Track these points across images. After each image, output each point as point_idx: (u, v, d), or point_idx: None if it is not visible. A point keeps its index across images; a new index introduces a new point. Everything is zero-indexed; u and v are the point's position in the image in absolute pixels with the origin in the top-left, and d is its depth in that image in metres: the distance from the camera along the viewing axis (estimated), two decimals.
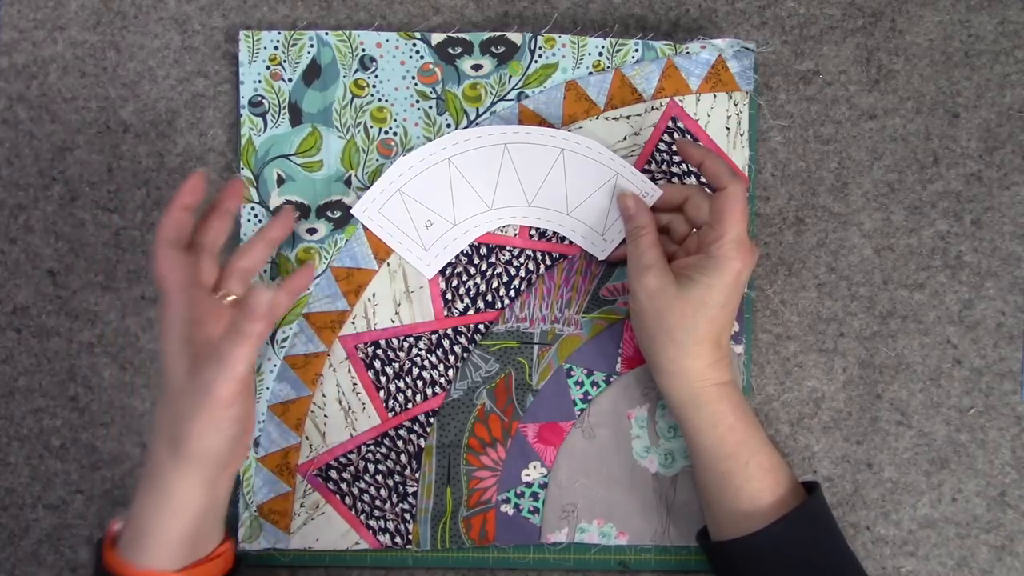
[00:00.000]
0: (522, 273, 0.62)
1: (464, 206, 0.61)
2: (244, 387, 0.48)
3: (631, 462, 0.62)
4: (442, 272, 0.62)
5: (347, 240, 0.61)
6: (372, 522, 0.61)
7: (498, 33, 0.62)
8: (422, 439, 0.61)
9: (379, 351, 0.61)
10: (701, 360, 0.54)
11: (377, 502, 0.61)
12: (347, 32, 0.62)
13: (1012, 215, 0.63)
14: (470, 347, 0.62)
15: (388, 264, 0.61)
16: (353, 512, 0.61)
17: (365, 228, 0.61)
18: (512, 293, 0.62)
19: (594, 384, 0.62)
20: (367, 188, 0.61)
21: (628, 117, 0.62)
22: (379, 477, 0.61)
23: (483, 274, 0.62)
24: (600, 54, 0.62)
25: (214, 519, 0.52)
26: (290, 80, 0.62)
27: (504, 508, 0.61)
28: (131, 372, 0.62)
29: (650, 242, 0.56)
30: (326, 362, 0.61)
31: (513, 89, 0.62)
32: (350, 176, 0.62)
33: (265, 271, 0.61)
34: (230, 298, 0.55)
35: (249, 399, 0.51)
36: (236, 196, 0.57)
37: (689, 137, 0.62)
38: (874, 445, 0.62)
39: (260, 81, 0.62)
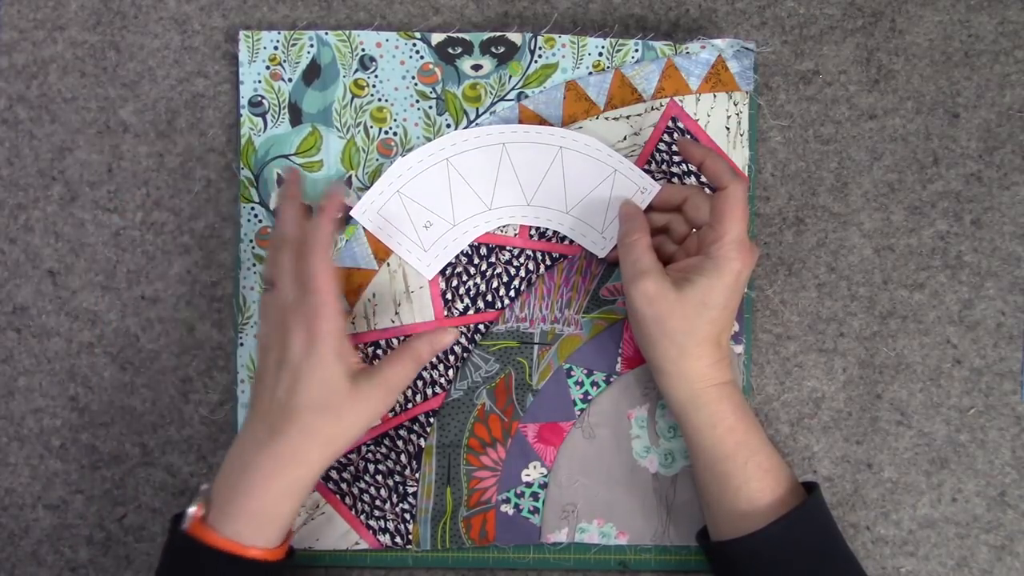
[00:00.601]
0: (522, 273, 0.62)
1: (463, 206, 0.61)
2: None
3: (631, 462, 0.62)
4: (442, 272, 0.62)
5: (347, 240, 0.61)
6: (372, 522, 0.61)
7: (498, 33, 0.62)
8: (422, 439, 0.61)
9: (379, 351, 0.61)
10: (702, 361, 0.54)
11: (377, 502, 0.61)
12: (347, 32, 0.62)
13: (1012, 215, 0.63)
14: (470, 347, 0.62)
15: (388, 264, 0.61)
16: (353, 512, 0.61)
17: (365, 228, 0.61)
18: (512, 293, 0.62)
19: (594, 384, 0.62)
20: (367, 188, 0.61)
21: (628, 117, 0.62)
22: (379, 477, 0.61)
23: (483, 274, 0.62)
24: (600, 54, 0.62)
25: (298, 509, 0.54)
26: (290, 80, 0.62)
27: (504, 508, 0.61)
28: (131, 372, 0.62)
29: (644, 247, 0.55)
30: None
31: (513, 89, 0.62)
32: (350, 176, 0.62)
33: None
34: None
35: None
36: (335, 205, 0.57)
37: (689, 137, 0.62)
38: (874, 445, 0.62)
39: (260, 81, 0.62)
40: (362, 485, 0.61)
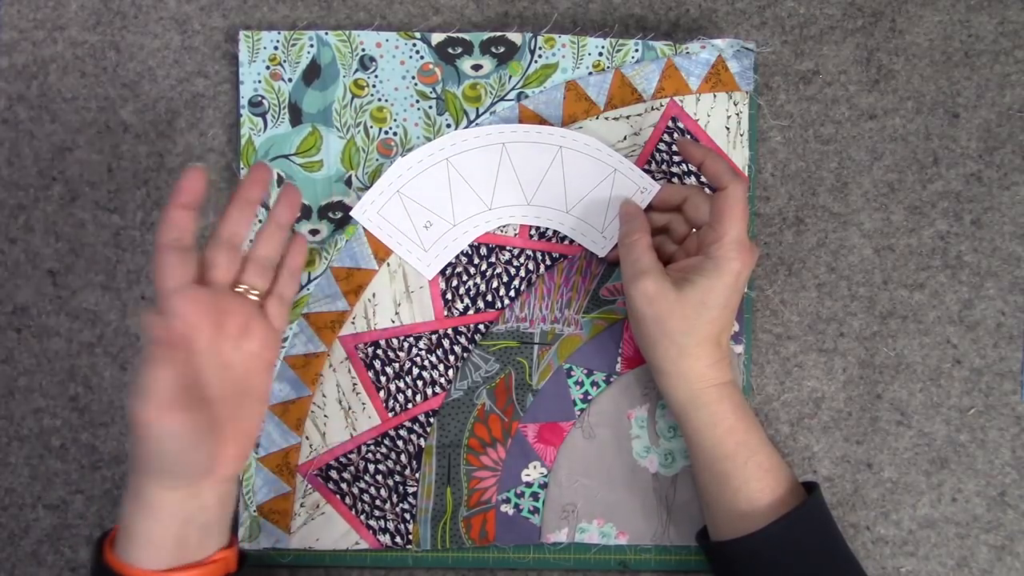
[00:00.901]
0: (522, 273, 0.62)
1: (463, 206, 0.61)
2: (175, 404, 0.45)
3: (631, 462, 0.62)
4: (442, 272, 0.62)
5: (347, 240, 0.61)
6: (372, 522, 0.61)
7: (498, 33, 0.62)
8: (422, 439, 0.61)
9: (379, 351, 0.61)
10: (701, 361, 0.54)
11: (377, 502, 0.61)
12: (347, 32, 0.62)
13: (1012, 215, 0.63)
14: (470, 347, 0.62)
15: (388, 264, 0.61)
16: (353, 512, 0.61)
17: (365, 228, 0.61)
18: (512, 293, 0.62)
19: (594, 384, 0.62)
20: (367, 188, 0.61)
21: (628, 117, 0.62)
22: (379, 477, 0.61)
23: (483, 274, 0.62)
24: (600, 54, 0.62)
25: (204, 526, 0.50)
26: (290, 80, 0.62)
27: (504, 508, 0.61)
28: (131, 372, 0.62)
29: (644, 247, 0.55)
30: (326, 362, 0.61)
31: (513, 89, 0.62)
32: (350, 176, 0.62)
33: None
34: (252, 294, 0.52)
35: (197, 414, 0.47)
36: (291, 211, 0.54)
37: (689, 137, 0.62)
38: (874, 445, 0.62)
39: (260, 81, 0.62)
40: (362, 485, 0.61)
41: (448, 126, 0.62)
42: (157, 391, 0.45)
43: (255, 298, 0.53)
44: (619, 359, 0.62)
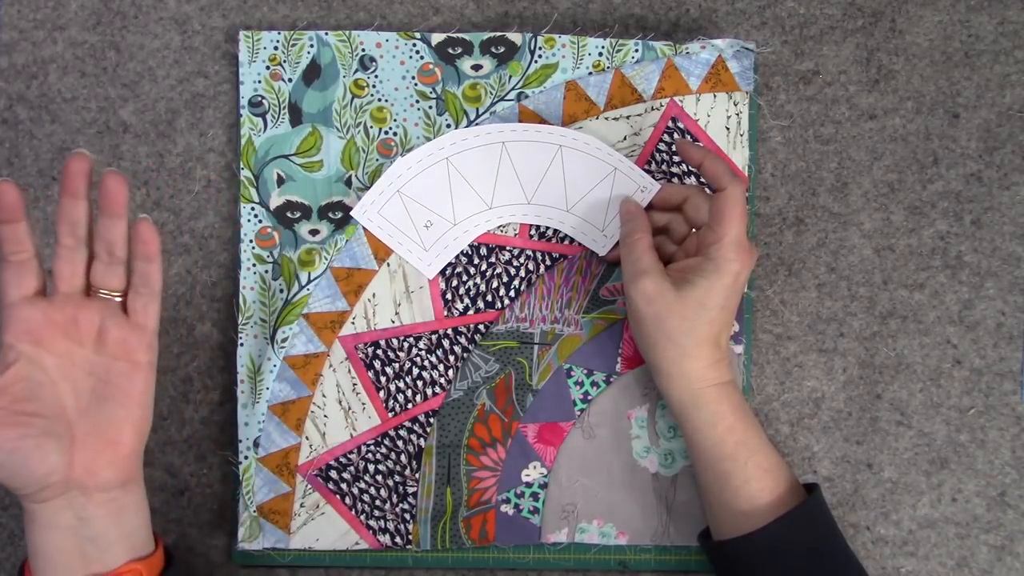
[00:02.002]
0: (522, 273, 0.62)
1: (464, 206, 0.61)
2: (3, 422, 0.45)
3: (631, 462, 0.62)
4: (442, 272, 0.62)
5: (347, 240, 0.61)
6: (372, 522, 0.61)
7: (498, 33, 0.62)
8: (422, 439, 0.61)
9: (379, 351, 0.61)
10: (701, 361, 0.54)
11: (377, 502, 0.61)
12: (347, 32, 0.62)
13: (1012, 215, 0.63)
14: (470, 347, 0.62)
15: (388, 264, 0.61)
16: (353, 512, 0.61)
17: (365, 228, 0.61)
18: (512, 293, 0.62)
19: (594, 384, 0.62)
20: (367, 188, 0.61)
21: (628, 117, 0.62)
22: (379, 477, 0.61)
23: (483, 274, 0.62)
24: (600, 54, 0.62)
25: (95, 538, 0.48)
26: (290, 80, 0.62)
27: (504, 508, 0.61)
28: None
29: (645, 247, 0.55)
30: (326, 362, 0.61)
31: (513, 89, 0.62)
32: (350, 176, 0.62)
33: (266, 271, 0.61)
34: (103, 294, 0.49)
35: (29, 428, 0.46)
36: (115, 198, 0.48)
37: (689, 137, 0.62)
38: (874, 445, 0.62)
39: (260, 81, 0.62)
40: (362, 485, 0.61)
41: (448, 126, 0.62)
42: None
43: (110, 298, 0.49)
44: (619, 359, 0.62)
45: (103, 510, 0.48)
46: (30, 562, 0.49)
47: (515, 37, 0.62)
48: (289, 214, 0.62)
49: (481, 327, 0.62)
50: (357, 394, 0.61)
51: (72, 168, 0.47)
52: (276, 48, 0.62)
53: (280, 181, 0.62)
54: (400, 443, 0.61)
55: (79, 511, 0.48)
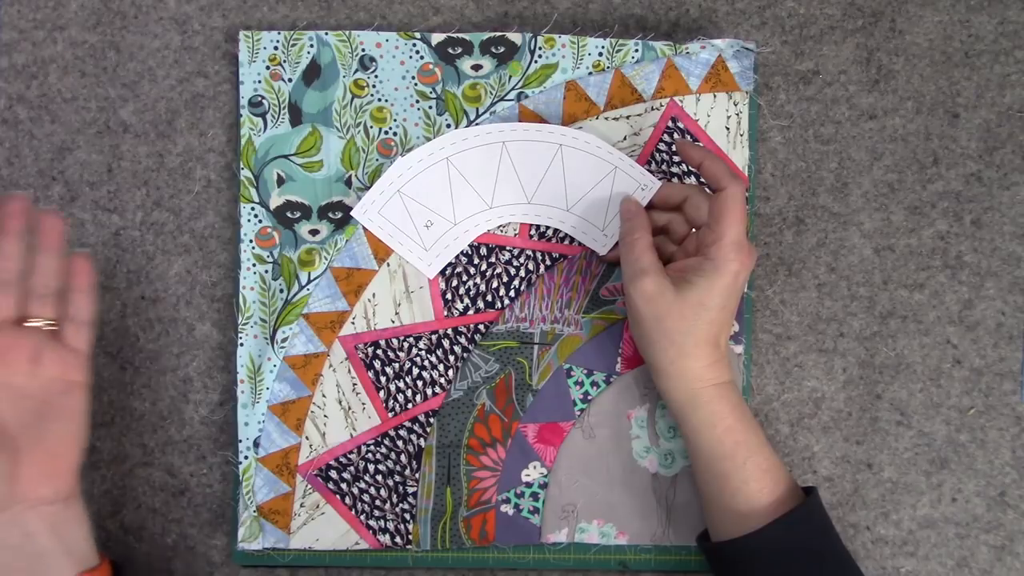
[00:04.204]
0: (522, 273, 0.62)
1: (464, 205, 0.61)
2: None
3: (631, 462, 0.62)
4: (442, 272, 0.62)
5: (347, 240, 0.61)
6: (372, 522, 0.61)
7: (498, 33, 0.62)
8: (422, 439, 0.61)
9: (379, 351, 0.61)
10: (700, 361, 0.54)
11: (377, 502, 0.61)
12: (347, 32, 0.62)
13: (1012, 215, 0.63)
14: (470, 347, 0.62)
15: (388, 264, 0.61)
16: (353, 512, 0.61)
17: (365, 228, 0.61)
18: (512, 293, 0.62)
19: (594, 384, 0.62)
20: (367, 188, 0.61)
21: (628, 117, 0.62)
22: (379, 477, 0.61)
23: (483, 274, 0.62)
24: (600, 54, 0.62)
25: (38, 554, 0.49)
26: (290, 80, 0.62)
27: (504, 508, 0.61)
28: (131, 372, 0.62)
29: (644, 246, 0.55)
30: (326, 362, 0.61)
31: (513, 89, 0.62)
32: (350, 176, 0.62)
33: (266, 271, 0.61)
34: (36, 323, 0.52)
35: None
36: (54, 236, 0.52)
37: (689, 137, 0.62)
38: (874, 445, 0.62)
39: (260, 81, 0.62)
40: (362, 485, 0.61)
41: (448, 126, 0.62)
42: None
43: (43, 326, 0.52)
44: (619, 359, 0.62)
45: (45, 524, 0.50)
46: None
47: (515, 37, 0.62)
48: (289, 214, 0.62)
49: (481, 327, 0.62)
50: (357, 394, 0.61)
51: (12, 208, 0.51)
52: (276, 48, 0.62)
53: (280, 181, 0.62)
54: (400, 443, 0.61)
55: (24, 527, 0.49)
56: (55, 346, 0.52)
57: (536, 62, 0.62)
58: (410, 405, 0.61)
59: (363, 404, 0.61)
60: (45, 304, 0.52)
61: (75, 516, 0.51)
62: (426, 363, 0.61)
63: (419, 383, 0.61)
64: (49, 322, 0.52)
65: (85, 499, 0.62)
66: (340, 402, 0.61)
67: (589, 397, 0.62)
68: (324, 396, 0.61)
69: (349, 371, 0.61)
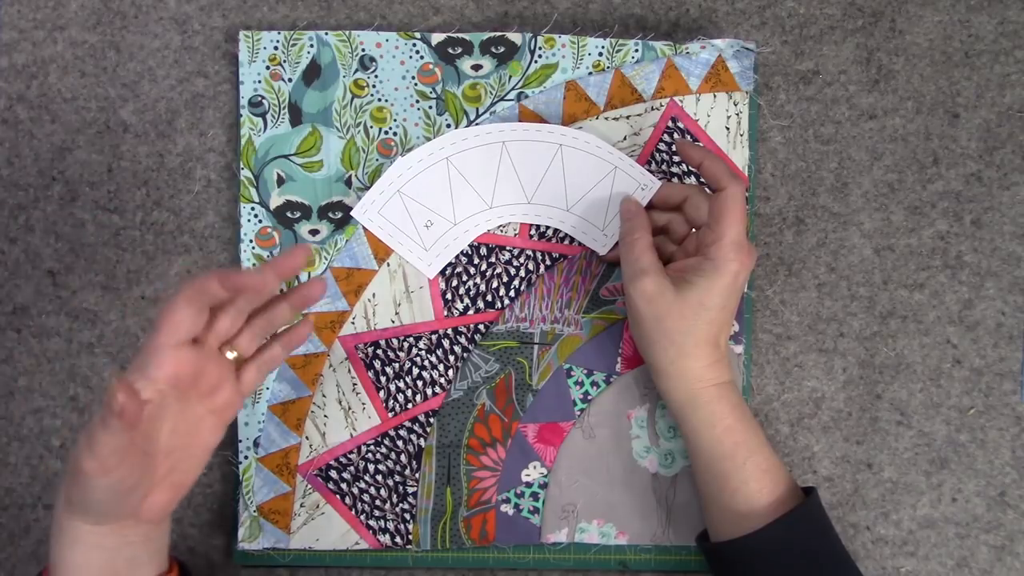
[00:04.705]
0: (522, 273, 0.62)
1: (464, 205, 0.61)
2: (120, 462, 0.45)
3: (631, 462, 0.62)
4: (442, 272, 0.62)
5: (347, 240, 0.61)
6: (372, 522, 0.61)
7: (498, 33, 0.62)
8: (422, 439, 0.61)
9: (379, 351, 0.61)
10: (700, 361, 0.54)
11: (377, 502, 0.61)
12: (347, 32, 0.62)
13: (1012, 215, 0.63)
14: (470, 347, 0.62)
15: (388, 264, 0.61)
16: (353, 512, 0.61)
17: (365, 228, 0.61)
18: (512, 293, 0.62)
19: (594, 384, 0.62)
20: (367, 188, 0.61)
21: (628, 117, 0.62)
22: (379, 477, 0.61)
23: (483, 274, 0.62)
24: (600, 54, 0.62)
25: (131, 559, 0.50)
26: (290, 80, 0.62)
27: (504, 508, 0.61)
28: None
29: (644, 246, 0.55)
30: (326, 362, 0.61)
31: (513, 89, 0.62)
32: (350, 176, 0.62)
33: None
34: (231, 355, 0.51)
35: (136, 468, 0.47)
36: (309, 301, 0.53)
37: (689, 137, 0.62)
38: (874, 445, 0.62)
39: (260, 81, 0.62)
40: (362, 485, 0.61)
41: (448, 126, 0.62)
42: (104, 452, 0.44)
43: (234, 359, 0.51)
44: (619, 359, 0.62)
45: (141, 538, 0.50)
46: (53, 574, 0.49)
47: (515, 37, 0.62)
48: (289, 214, 0.62)
49: (481, 327, 0.62)
50: (357, 394, 0.61)
51: (295, 255, 0.49)
52: (276, 48, 0.62)
53: (280, 181, 0.62)
54: (400, 443, 0.61)
55: (124, 537, 0.49)
56: (232, 383, 0.51)
57: (536, 62, 0.62)
58: (410, 405, 0.61)
59: (363, 404, 0.61)
60: (252, 342, 0.51)
61: (165, 529, 0.52)
62: (426, 363, 0.61)
63: (419, 383, 0.61)
64: (241, 358, 0.51)
65: None
66: (340, 402, 0.61)
67: (589, 397, 0.62)
68: (324, 396, 0.61)
69: (349, 371, 0.61)
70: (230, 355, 0.51)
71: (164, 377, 0.47)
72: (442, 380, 0.62)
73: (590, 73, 0.62)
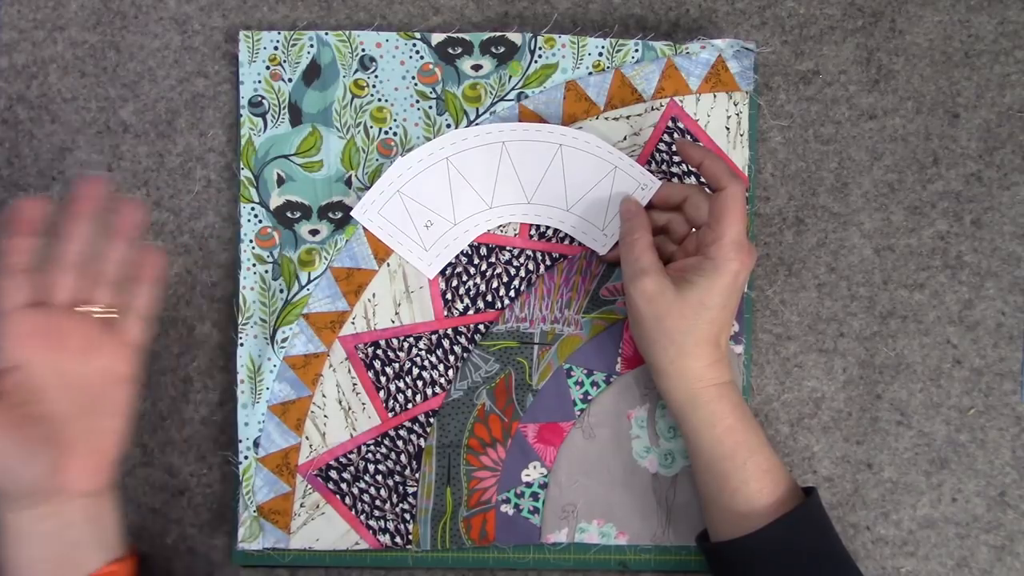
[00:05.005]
0: (522, 273, 0.62)
1: (464, 205, 0.61)
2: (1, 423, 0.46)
3: (631, 462, 0.62)
4: (442, 272, 0.62)
5: (347, 240, 0.61)
6: (372, 522, 0.61)
7: (498, 33, 0.62)
8: (422, 439, 0.61)
9: (379, 351, 0.61)
10: (700, 360, 0.54)
11: (377, 502, 0.61)
12: (347, 32, 0.62)
13: (1012, 215, 0.63)
14: (470, 347, 0.62)
15: (388, 264, 0.61)
16: (353, 512, 0.61)
17: (365, 228, 0.61)
18: (512, 293, 0.62)
19: (594, 384, 0.62)
20: (367, 188, 0.61)
21: (628, 117, 0.62)
22: (379, 477, 0.61)
23: (483, 274, 0.62)
24: (600, 54, 0.62)
25: (75, 543, 0.49)
26: (290, 80, 0.62)
27: (504, 508, 0.61)
28: None
29: (644, 246, 0.55)
30: (326, 362, 0.61)
31: (513, 89, 0.62)
32: (350, 176, 0.62)
33: (266, 271, 0.61)
34: (98, 311, 0.51)
35: (26, 431, 0.47)
36: (131, 225, 0.52)
37: (689, 137, 0.62)
38: (874, 445, 0.62)
39: (260, 81, 0.62)
40: (362, 485, 0.61)
41: (448, 126, 0.62)
42: None
43: (104, 315, 0.51)
44: (619, 359, 0.62)
45: (82, 515, 0.50)
46: (3, 573, 0.49)
47: (515, 37, 0.62)
48: (289, 214, 0.62)
49: (481, 327, 0.62)
50: (357, 394, 0.61)
51: (87, 190, 0.50)
52: (276, 48, 0.62)
53: (280, 181, 0.62)
54: (400, 443, 0.61)
55: (62, 517, 0.49)
56: (111, 337, 0.51)
57: (536, 62, 0.62)
58: (410, 405, 0.61)
59: (363, 404, 0.61)
60: (107, 292, 0.51)
61: (109, 508, 0.52)
62: (426, 363, 0.61)
63: (419, 383, 0.61)
64: (108, 310, 0.51)
65: None
66: (340, 402, 0.61)
67: (589, 397, 0.62)
68: (324, 396, 0.61)
69: (349, 371, 0.61)
70: (97, 313, 0.51)
71: (11, 343, 0.48)
72: (442, 380, 0.62)
73: (590, 73, 0.62)
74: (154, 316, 0.53)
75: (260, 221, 0.62)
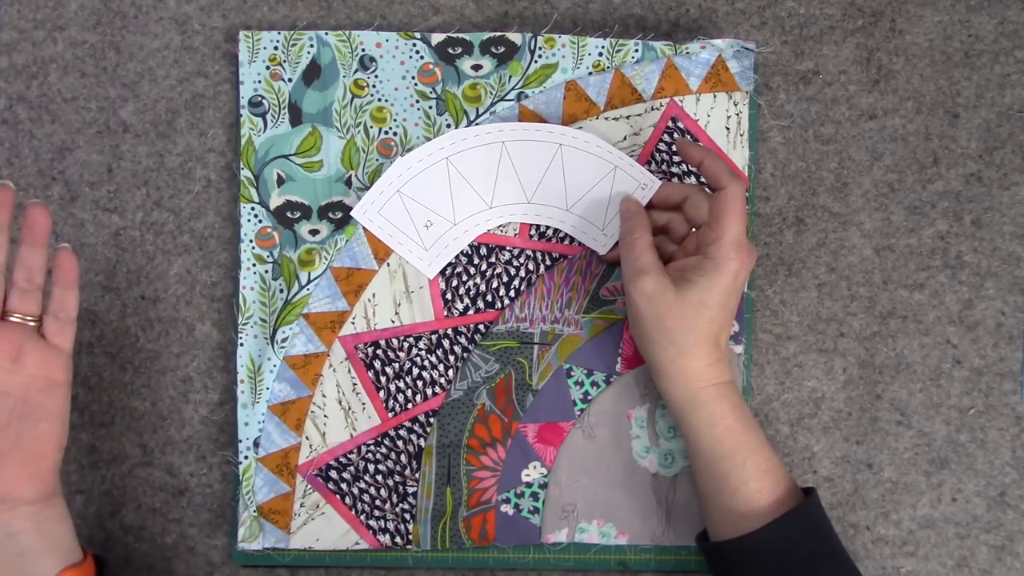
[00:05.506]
0: (522, 273, 0.62)
1: (464, 205, 0.61)
2: None
3: (631, 462, 0.62)
4: (442, 272, 0.62)
5: (347, 240, 0.61)
6: (372, 522, 0.61)
7: (498, 33, 0.62)
8: (422, 439, 0.61)
9: (379, 351, 0.61)
10: (700, 360, 0.54)
11: (377, 502, 0.61)
12: (347, 32, 0.62)
13: (1012, 215, 0.63)
14: (470, 347, 0.62)
15: (388, 264, 0.61)
16: (353, 512, 0.61)
17: (365, 228, 0.61)
18: (512, 293, 0.62)
19: (594, 384, 0.62)
20: (367, 188, 0.61)
21: (628, 117, 0.62)
22: (379, 477, 0.61)
23: (483, 274, 0.62)
24: (600, 54, 0.62)
25: (22, 552, 0.49)
26: (290, 80, 0.62)
27: (504, 508, 0.61)
28: (131, 372, 0.62)
29: (644, 245, 0.55)
30: (326, 362, 0.61)
31: (513, 89, 0.62)
32: (350, 176, 0.62)
33: (266, 271, 0.61)
34: (16, 318, 0.51)
35: None
36: (39, 229, 0.51)
37: (689, 137, 0.62)
38: (874, 445, 0.62)
39: (260, 81, 0.62)
40: (362, 485, 0.61)
41: (448, 126, 0.62)
42: None
43: (23, 322, 0.51)
44: (619, 359, 0.62)
45: (28, 523, 0.50)
46: None
47: (515, 37, 0.62)
48: (289, 214, 0.62)
49: (481, 327, 0.62)
50: (357, 394, 0.61)
51: None
52: (276, 48, 0.62)
53: (280, 181, 0.62)
54: (400, 443, 0.61)
55: (5, 527, 0.49)
56: (37, 343, 0.51)
57: (536, 62, 0.62)
58: (410, 405, 0.61)
59: (363, 404, 0.61)
60: (27, 299, 0.51)
61: (57, 514, 0.51)
62: (426, 363, 0.61)
63: (419, 383, 0.61)
64: (30, 318, 0.52)
65: (84, 499, 0.62)
66: (340, 402, 0.61)
67: (589, 397, 0.62)
68: (324, 396, 0.61)
69: (349, 371, 0.61)
70: (15, 320, 0.51)
71: None
72: (442, 380, 0.62)
73: (590, 73, 0.62)
74: (77, 318, 0.53)
75: (260, 221, 0.62)
